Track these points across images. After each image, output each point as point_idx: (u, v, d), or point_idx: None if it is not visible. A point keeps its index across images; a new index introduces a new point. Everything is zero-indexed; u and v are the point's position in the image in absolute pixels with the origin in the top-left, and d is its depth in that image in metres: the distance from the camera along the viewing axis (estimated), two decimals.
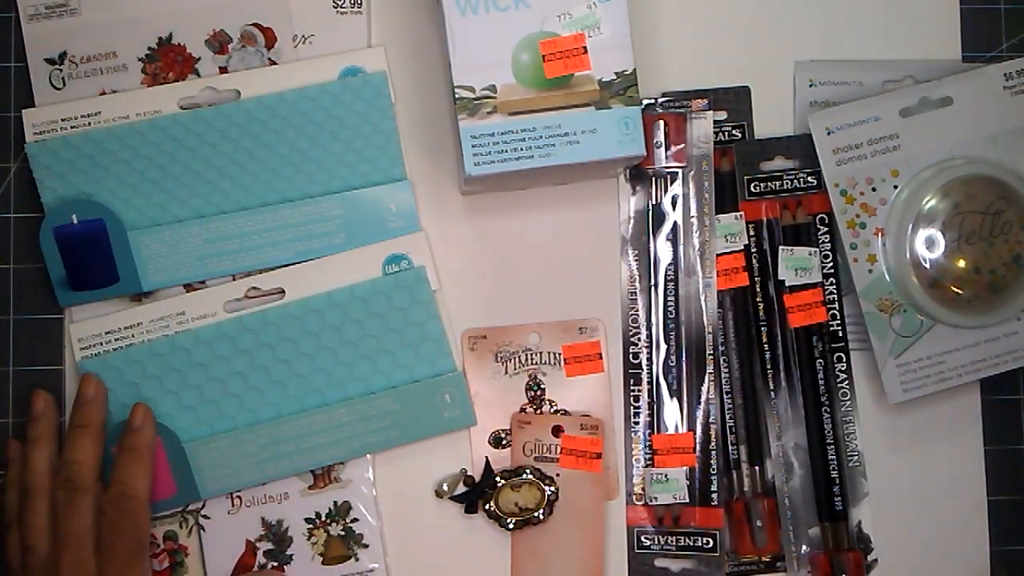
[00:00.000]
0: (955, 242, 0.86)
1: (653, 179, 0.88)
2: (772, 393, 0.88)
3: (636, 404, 0.88)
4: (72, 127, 0.86)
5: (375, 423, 0.85)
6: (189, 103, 0.87)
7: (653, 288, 0.87)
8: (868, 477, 0.88)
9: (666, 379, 0.87)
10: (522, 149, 0.79)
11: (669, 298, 0.87)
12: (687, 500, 0.86)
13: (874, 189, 0.87)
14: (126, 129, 0.86)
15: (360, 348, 0.85)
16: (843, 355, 0.88)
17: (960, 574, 0.89)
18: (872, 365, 0.88)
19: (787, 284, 0.88)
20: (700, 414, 0.87)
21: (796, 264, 0.88)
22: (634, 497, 0.87)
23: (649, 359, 0.88)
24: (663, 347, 0.87)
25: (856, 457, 0.88)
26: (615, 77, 0.80)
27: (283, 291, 0.86)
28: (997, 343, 0.87)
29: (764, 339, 0.88)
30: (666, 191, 0.88)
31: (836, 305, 0.88)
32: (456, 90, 0.79)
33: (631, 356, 0.88)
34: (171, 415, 0.85)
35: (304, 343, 0.85)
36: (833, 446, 0.87)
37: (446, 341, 0.86)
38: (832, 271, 0.88)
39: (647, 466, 0.87)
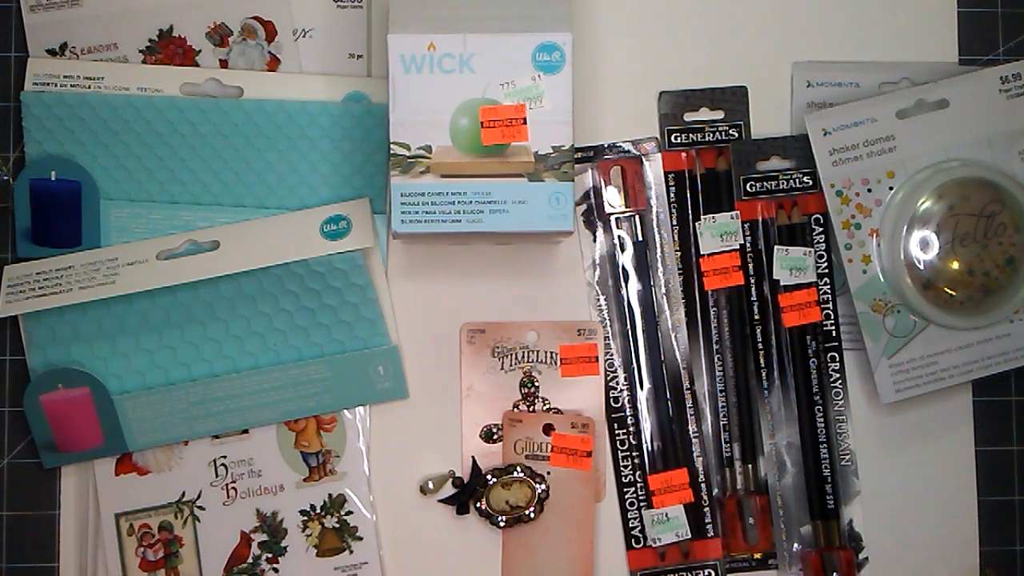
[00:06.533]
0: (949, 244, 0.86)
1: (614, 224, 0.88)
2: (766, 392, 0.89)
3: (624, 448, 0.88)
4: (72, 86, 0.86)
5: (308, 388, 0.86)
6: (191, 90, 0.87)
7: (631, 331, 0.88)
8: (860, 476, 0.89)
9: (650, 419, 0.88)
10: (451, 212, 0.79)
11: (642, 340, 0.88)
12: (689, 536, 0.87)
13: (869, 190, 0.88)
14: (123, 100, 0.86)
15: (296, 318, 0.86)
16: (836, 355, 0.89)
17: (950, 573, 0.89)
18: (865, 365, 0.88)
19: (782, 284, 0.88)
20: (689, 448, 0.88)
21: (791, 264, 0.88)
22: (633, 540, 0.88)
23: (631, 401, 0.88)
24: (644, 388, 0.88)
25: (848, 456, 0.88)
26: (552, 151, 0.80)
27: (218, 243, 0.86)
28: (989, 344, 0.87)
29: (758, 338, 0.89)
30: (627, 235, 0.88)
31: (830, 305, 0.89)
32: (392, 146, 0.79)
33: (612, 400, 0.88)
34: (104, 360, 0.85)
35: (241, 305, 0.86)
36: (826, 445, 0.87)
37: (383, 323, 0.86)
38: (827, 271, 0.89)
39: (645, 507, 0.88)
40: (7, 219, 0.88)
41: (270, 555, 0.87)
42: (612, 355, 0.88)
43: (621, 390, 0.88)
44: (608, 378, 0.88)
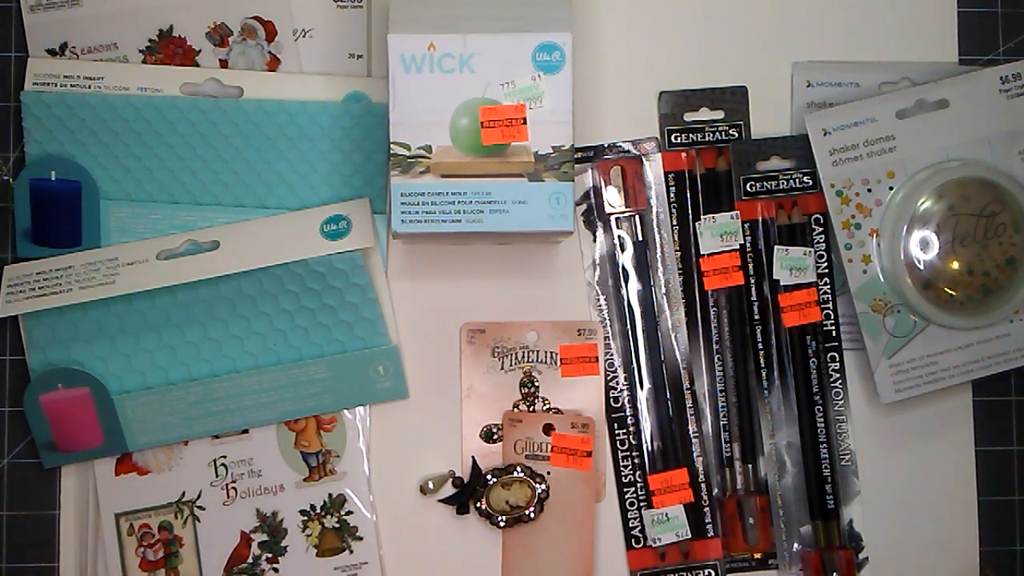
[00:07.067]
0: (949, 244, 0.86)
1: (614, 224, 0.88)
2: (766, 392, 0.89)
3: (624, 448, 0.88)
4: (72, 85, 0.87)
5: (308, 388, 0.86)
6: (191, 90, 0.87)
7: (631, 331, 0.88)
8: (860, 476, 0.89)
9: (650, 419, 0.88)
10: (451, 212, 0.79)
11: (642, 340, 0.88)
12: (690, 536, 0.87)
13: (869, 190, 0.88)
14: (123, 100, 0.87)
15: (296, 318, 0.86)
16: (836, 355, 0.89)
17: (950, 573, 0.89)
18: (865, 365, 0.88)
19: (782, 284, 0.88)
20: (689, 447, 0.88)
21: (791, 264, 0.88)
22: (633, 540, 0.88)
23: (631, 401, 0.88)
24: (644, 388, 0.88)
25: (848, 456, 0.88)
26: (552, 151, 0.80)
27: (218, 243, 0.86)
28: (989, 344, 0.87)
29: (758, 338, 0.89)
30: (627, 235, 0.88)
31: (830, 305, 0.89)
32: (392, 146, 0.79)
33: (612, 400, 0.88)
34: (104, 360, 0.85)
35: (241, 305, 0.86)
36: (826, 445, 0.87)
37: (383, 323, 0.86)
38: (827, 271, 0.89)
39: (645, 507, 0.88)
40: (7, 219, 0.88)
41: (270, 555, 0.87)
42: (612, 355, 0.88)
43: (621, 390, 0.88)
44: (608, 378, 0.88)
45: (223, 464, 0.87)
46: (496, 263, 0.89)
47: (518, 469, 0.86)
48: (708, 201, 0.89)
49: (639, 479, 0.88)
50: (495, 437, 0.87)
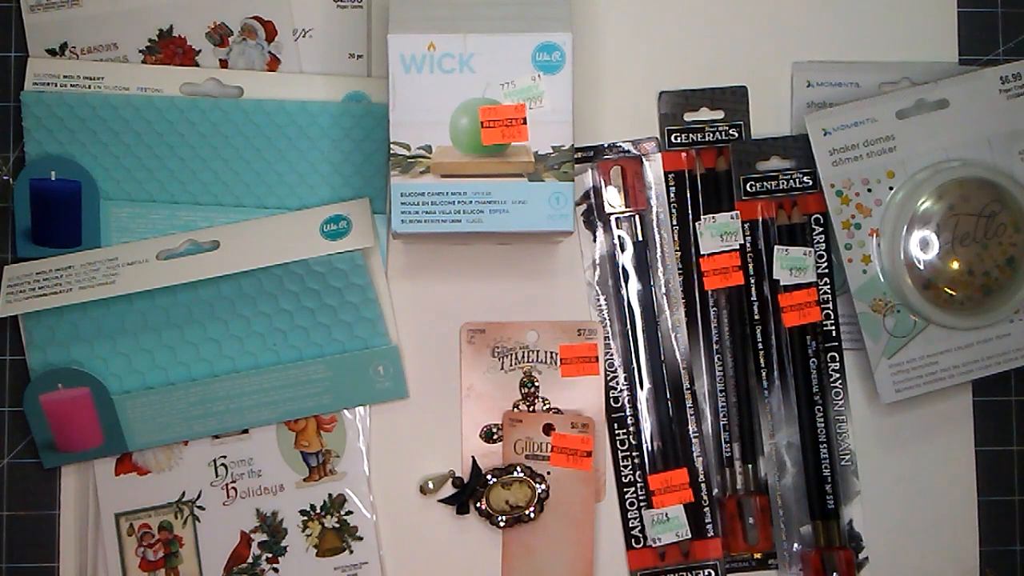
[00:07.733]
0: (949, 244, 0.86)
1: (614, 224, 0.88)
2: (766, 392, 0.89)
3: (624, 448, 0.88)
4: (72, 85, 0.87)
5: (307, 388, 0.86)
6: (191, 90, 0.87)
7: (631, 331, 0.88)
8: (860, 476, 0.89)
9: (650, 419, 0.88)
10: (451, 212, 0.79)
11: (642, 340, 0.88)
12: (690, 536, 0.87)
13: (869, 190, 0.88)
14: (123, 100, 0.87)
15: (296, 318, 0.86)
16: (836, 355, 0.89)
17: (950, 573, 0.89)
18: (865, 365, 0.88)
19: (782, 284, 0.88)
20: (689, 447, 0.88)
21: (791, 264, 0.88)
22: (633, 541, 0.88)
23: (631, 401, 0.88)
24: (644, 388, 0.88)
25: (848, 456, 0.88)
26: (551, 151, 0.80)
27: (218, 243, 0.86)
28: (989, 344, 0.87)
29: (758, 338, 0.89)
30: (627, 235, 0.88)
31: (830, 305, 0.89)
32: (392, 146, 0.79)
33: (612, 400, 0.88)
34: (104, 360, 0.85)
35: (241, 305, 0.86)
36: (826, 445, 0.87)
37: (383, 323, 0.86)
38: (827, 271, 0.89)
39: (645, 507, 0.88)
40: (7, 219, 0.88)
41: (270, 555, 0.87)
42: (612, 355, 0.88)
43: (621, 390, 0.88)
44: (608, 378, 0.88)
45: (223, 464, 0.87)
46: (496, 263, 0.89)
47: (518, 469, 0.86)
48: (708, 201, 0.89)
49: (639, 479, 0.88)
50: (495, 437, 0.87)
